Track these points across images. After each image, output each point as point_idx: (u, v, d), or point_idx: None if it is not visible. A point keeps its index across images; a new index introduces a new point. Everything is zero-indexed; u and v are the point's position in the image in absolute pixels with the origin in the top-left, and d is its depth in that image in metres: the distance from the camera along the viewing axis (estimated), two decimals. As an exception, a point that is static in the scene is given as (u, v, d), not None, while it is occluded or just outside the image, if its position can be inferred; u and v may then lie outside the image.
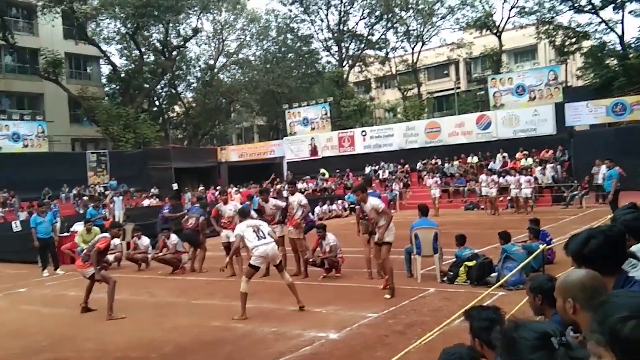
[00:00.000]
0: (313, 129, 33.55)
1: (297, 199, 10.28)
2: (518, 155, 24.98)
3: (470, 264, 8.82)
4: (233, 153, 36.80)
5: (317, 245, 10.08)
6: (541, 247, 7.54)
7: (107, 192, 27.40)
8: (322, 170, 30.52)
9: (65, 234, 15.34)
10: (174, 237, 12.41)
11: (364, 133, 31.49)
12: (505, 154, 25.25)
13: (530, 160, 24.29)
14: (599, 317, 1.72)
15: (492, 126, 27.02)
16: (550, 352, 1.33)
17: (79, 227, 14.82)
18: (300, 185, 28.48)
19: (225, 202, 11.55)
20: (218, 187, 28.65)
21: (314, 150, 32.70)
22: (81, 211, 21.87)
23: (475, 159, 26.56)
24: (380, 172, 29.01)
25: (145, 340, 6.66)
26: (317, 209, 23.10)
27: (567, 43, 35.61)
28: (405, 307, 7.41)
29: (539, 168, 23.28)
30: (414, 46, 43.54)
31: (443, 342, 4.68)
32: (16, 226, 19.09)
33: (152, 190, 29.35)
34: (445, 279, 9.02)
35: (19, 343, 6.90)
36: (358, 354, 5.64)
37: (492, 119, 27.06)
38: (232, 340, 6.45)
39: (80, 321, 8.08)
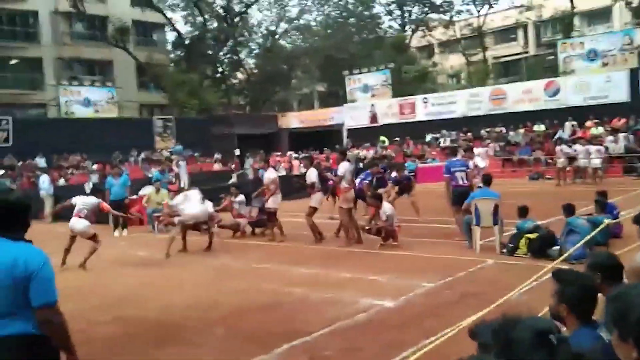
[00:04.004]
0: (373, 95, 33.19)
1: (343, 168, 10.38)
2: (588, 123, 23.86)
3: (531, 236, 8.61)
4: (293, 119, 37.02)
5: (374, 214, 10.10)
6: (606, 221, 7.25)
7: (172, 157, 28.28)
8: (382, 138, 30.25)
9: (134, 196, 15.99)
10: (241, 197, 12.68)
11: (425, 100, 30.88)
12: (574, 122, 24.18)
13: (601, 129, 23.16)
14: (619, 308, 1.62)
15: (561, 93, 25.88)
16: (550, 350, 1.28)
17: (146, 190, 15.44)
18: (361, 152, 28.42)
19: (265, 169, 11.85)
20: (279, 153, 29.04)
21: (373, 118, 32.41)
22: (149, 175, 22.71)
23: (542, 127, 25.58)
24: (441, 140, 28.48)
25: (205, 301, 6.94)
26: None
27: (645, 4, 33.36)
28: (462, 278, 7.36)
29: (610, 137, 22.18)
30: (480, 9, 41.97)
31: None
32: (89, 187, 20.10)
33: (215, 155, 30.05)
34: (504, 250, 8.86)
35: (88, 300, 7.34)
36: (412, 323, 5.68)
37: (561, 86, 25.89)
38: (288, 304, 6.63)
39: (146, 280, 8.49)
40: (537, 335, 1.31)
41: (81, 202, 9.73)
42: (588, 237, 6.91)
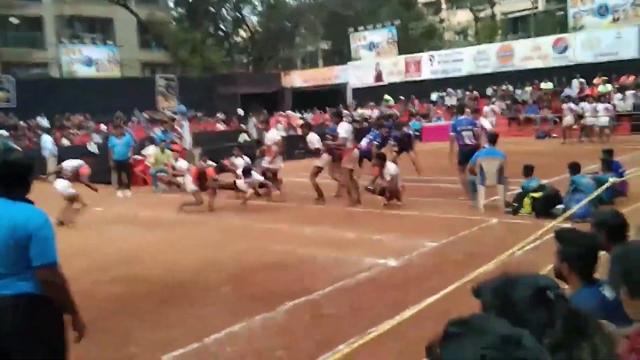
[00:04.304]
0: (378, 53, 32.67)
1: (340, 128, 10.30)
2: (596, 80, 23.49)
3: (536, 195, 8.57)
4: (297, 78, 36.60)
5: (378, 174, 10.06)
6: (611, 179, 7.19)
7: (175, 117, 28.13)
8: (386, 97, 29.93)
9: (138, 157, 15.96)
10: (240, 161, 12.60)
11: (431, 58, 30.40)
12: (582, 80, 23.82)
13: (609, 87, 22.81)
14: (627, 265, 1.61)
15: (570, 50, 25.38)
16: (548, 306, 1.25)
17: (149, 150, 15.40)
18: (366, 112, 28.21)
19: (267, 130, 11.73)
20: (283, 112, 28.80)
21: (378, 76, 32.00)
22: (152, 134, 22.64)
23: (550, 85, 25.21)
24: (447, 98, 28.17)
25: (211, 261, 6.98)
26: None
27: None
28: (465, 237, 7.37)
29: (619, 95, 21.87)
30: (489, -37, 40.78)
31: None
32: (91, 147, 20.08)
33: (219, 115, 29.87)
34: (509, 209, 8.84)
35: (93, 259, 7.39)
36: (414, 282, 5.71)
37: (570, 42, 25.39)
38: (293, 263, 6.66)
39: (152, 239, 8.54)
40: (535, 292, 1.30)
41: (66, 164, 10.17)
42: (592, 195, 6.88)
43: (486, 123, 13.53)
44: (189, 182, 10.80)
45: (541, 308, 1.26)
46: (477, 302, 1.30)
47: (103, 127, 25.49)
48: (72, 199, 9.70)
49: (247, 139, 21.73)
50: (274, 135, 11.40)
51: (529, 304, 1.27)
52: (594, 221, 3.28)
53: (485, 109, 21.96)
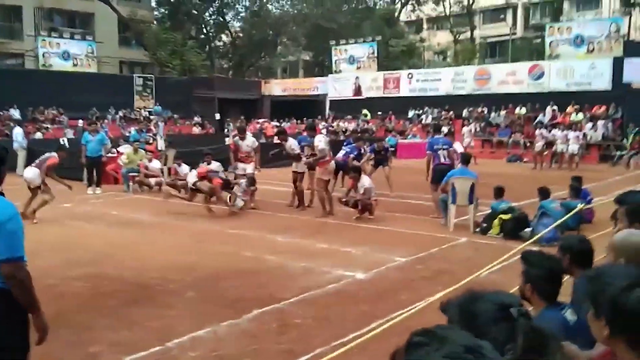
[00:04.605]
0: (359, 68, 32.95)
1: (318, 141, 10.37)
2: (569, 109, 24.09)
3: (505, 217, 8.73)
4: (277, 87, 36.65)
5: (352, 186, 10.13)
6: (580, 206, 7.37)
7: (151, 117, 27.87)
8: (365, 111, 30.18)
9: (111, 154, 15.73)
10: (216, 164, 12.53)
11: (410, 76, 30.78)
12: (555, 107, 24.39)
13: (580, 116, 23.42)
14: (595, 287, 1.68)
15: (545, 77, 26.00)
16: (511, 323, 1.30)
17: (124, 149, 15.23)
18: (342, 124, 28.37)
19: (243, 138, 11.65)
20: (260, 120, 28.77)
21: (357, 90, 32.26)
22: (127, 134, 22.38)
23: (524, 110, 25.76)
24: (423, 117, 28.52)
25: (183, 264, 6.92)
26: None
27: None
28: (434, 255, 7.46)
29: (590, 124, 22.46)
30: (471, -13, 41.66)
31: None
32: (64, 143, 19.75)
33: (195, 118, 29.70)
34: (478, 229, 8.98)
35: (61, 256, 7.27)
36: (382, 295, 5.75)
37: (546, 69, 26.01)
38: (263, 271, 6.65)
39: (121, 239, 8.43)
40: (498, 309, 1.33)
41: (42, 155, 10.05)
42: (560, 220, 7.03)
43: (459, 147, 13.80)
44: (193, 178, 10.67)
45: (504, 324, 1.30)
46: (444, 319, 1.34)
47: (80, 122, 25.03)
48: (37, 190, 9.52)
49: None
50: (251, 141, 11.40)
51: (492, 319, 1.31)
52: (561, 245, 3.37)
53: (464, 129, 22.33)
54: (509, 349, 1.24)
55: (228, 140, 23.28)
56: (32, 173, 9.59)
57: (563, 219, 7.05)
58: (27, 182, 9.60)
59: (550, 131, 20.74)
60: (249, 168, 11.11)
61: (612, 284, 1.65)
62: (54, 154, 10.08)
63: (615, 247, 2.47)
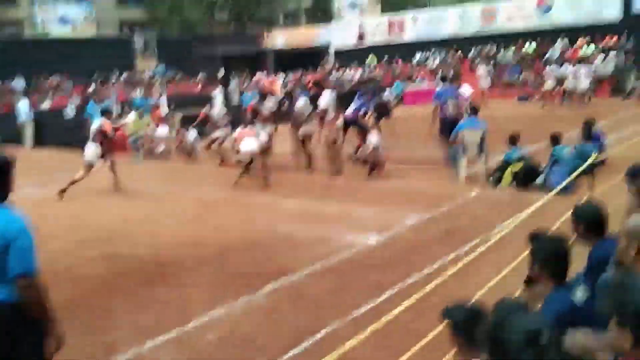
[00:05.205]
0: (362, 12, 32.11)
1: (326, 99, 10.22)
2: (579, 42, 23.42)
3: (516, 167, 8.64)
4: (279, 38, 35.93)
5: (361, 144, 10.02)
6: (594, 155, 7.27)
7: (154, 79, 27.58)
8: (371, 56, 29.60)
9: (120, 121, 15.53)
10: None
11: (414, 18, 29.96)
12: (565, 41, 23.74)
13: (592, 47, 22.76)
14: (620, 296, 1.67)
15: (554, 10, 25.18)
16: (539, 349, 1.31)
17: (128, 119, 15.10)
18: (347, 72, 27.92)
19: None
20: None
21: (361, 36, 31.55)
22: (132, 98, 22.15)
23: (534, 45, 25.10)
24: (430, 60, 27.96)
25: (193, 238, 6.93)
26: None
27: None
28: (446, 213, 7.38)
29: (601, 55, 21.85)
30: None
31: (486, 251, 4.72)
32: (69, 112, 19.65)
33: (199, 76, 29.32)
34: (490, 179, 8.92)
35: (75, 236, 7.26)
36: (395, 261, 5.76)
37: (555, 1, 25.18)
38: (274, 241, 6.65)
39: (134, 213, 8.35)
40: (527, 336, 1.36)
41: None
42: (574, 175, 6.87)
43: (467, 90, 13.52)
44: (250, 145, 9.49)
45: (532, 351, 1.33)
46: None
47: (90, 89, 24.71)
48: (113, 165, 9.38)
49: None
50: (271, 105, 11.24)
51: (520, 346, 1.34)
52: (575, 214, 3.34)
53: (480, 71, 21.91)
54: None
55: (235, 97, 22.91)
56: (94, 152, 9.20)
57: (578, 171, 6.87)
58: (88, 164, 9.20)
59: (561, 66, 20.27)
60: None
61: (637, 293, 1.65)
62: (103, 118, 9.55)
63: (630, 231, 2.44)
